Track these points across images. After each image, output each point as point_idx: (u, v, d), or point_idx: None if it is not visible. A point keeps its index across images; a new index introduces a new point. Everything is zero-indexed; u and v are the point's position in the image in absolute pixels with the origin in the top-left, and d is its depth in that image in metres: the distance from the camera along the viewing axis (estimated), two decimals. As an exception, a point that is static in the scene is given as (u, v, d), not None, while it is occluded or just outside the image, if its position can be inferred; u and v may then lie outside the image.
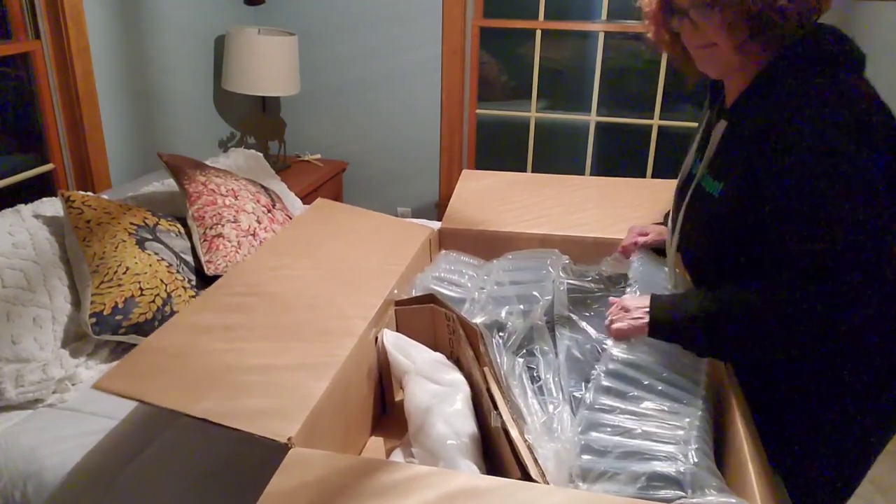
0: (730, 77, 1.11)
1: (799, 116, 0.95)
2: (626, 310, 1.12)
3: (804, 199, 0.93)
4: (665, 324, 1.08)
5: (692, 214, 1.15)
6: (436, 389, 1.11)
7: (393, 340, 1.23)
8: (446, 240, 1.67)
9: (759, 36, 1.01)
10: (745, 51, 1.03)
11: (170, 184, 2.17)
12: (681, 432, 0.93)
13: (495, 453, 1.11)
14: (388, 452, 1.15)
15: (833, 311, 0.92)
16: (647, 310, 1.09)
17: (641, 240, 1.41)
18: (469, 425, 1.04)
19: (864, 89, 1.00)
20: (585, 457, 0.93)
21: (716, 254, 1.12)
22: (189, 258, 1.88)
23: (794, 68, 1.01)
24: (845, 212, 0.91)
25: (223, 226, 1.93)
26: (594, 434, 0.96)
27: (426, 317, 1.29)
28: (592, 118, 3.18)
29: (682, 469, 0.86)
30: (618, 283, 1.36)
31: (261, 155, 2.73)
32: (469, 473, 0.86)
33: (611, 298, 1.19)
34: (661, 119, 3.10)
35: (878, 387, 1.07)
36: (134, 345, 1.57)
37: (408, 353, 1.19)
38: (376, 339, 1.23)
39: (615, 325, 1.11)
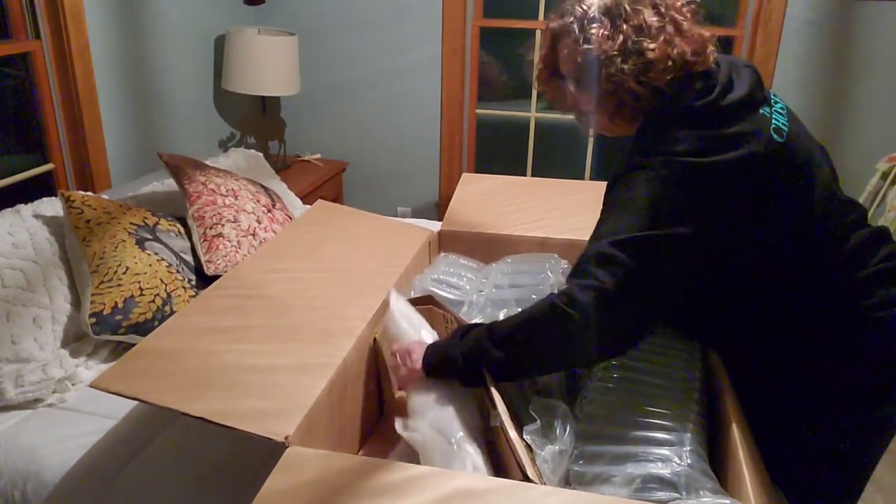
0: (617, 135, 1.20)
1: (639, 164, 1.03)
2: (409, 353, 1.08)
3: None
4: (436, 364, 1.05)
5: None
6: None
7: (401, 308, 1.19)
8: (446, 242, 1.67)
9: (623, 108, 1.09)
10: (615, 120, 1.14)
11: (170, 184, 2.17)
12: (675, 434, 0.93)
13: (495, 454, 1.11)
14: (386, 453, 1.16)
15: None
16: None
17: None
18: (475, 417, 1.04)
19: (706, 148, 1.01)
20: (581, 459, 0.94)
21: None
22: (189, 258, 1.89)
23: (655, 128, 1.07)
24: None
25: (223, 226, 1.93)
26: (589, 437, 0.97)
27: (424, 318, 1.29)
28: (592, 118, 3.18)
29: (676, 471, 0.86)
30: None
31: (261, 155, 2.73)
32: (468, 474, 0.87)
33: (395, 347, 1.13)
34: (660, 119, 3.10)
35: (877, 394, 1.07)
36: (134, 345, 1.58)
37: (413, 324, 1.16)
38: (374, 340, 1.23)
39: (399, 374, 1.10)
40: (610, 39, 1.04)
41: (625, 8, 1.05)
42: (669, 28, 1.05)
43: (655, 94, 1.05)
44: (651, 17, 1.05)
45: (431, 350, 1.06)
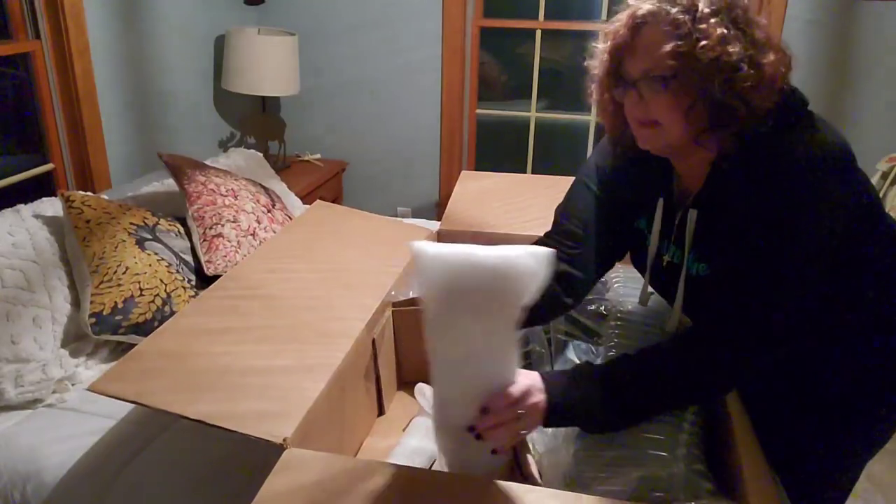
0: (676, 157, 1.05)
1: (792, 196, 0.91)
2: (514, 401, 0.89)
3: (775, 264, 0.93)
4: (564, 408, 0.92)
5: (692, 300, 1.07)
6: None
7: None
8: (445, 241, 1.67)
9: (718, 128, 0.94)
10: (699, 140, 0.96)
11: (170, 184, 2.17)
12: (673, 436, 0.93)
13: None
14: (385, 454, 1.16)
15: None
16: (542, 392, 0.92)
17: None
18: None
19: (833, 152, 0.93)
20: (580, 461, 0.94)
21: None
22: (189, 258, 1.89)
23: (762, 144, 0.94)
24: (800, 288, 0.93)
25: (223, 226, 1.94)
26: (588, 439, 0.97)
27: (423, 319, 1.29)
28: (592, 118, 3.18)
29: (674, 472, 0.86)
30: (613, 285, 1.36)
31: (261, 155, 2.73)
32: (467, 475, 0.87)
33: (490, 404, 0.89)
34: (660, 119, 3.10)
35: (877, 392, 1.07)
36: (133, 345, 1.58)
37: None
38: (373, 341, 1.23)
39: (499, 433, 0.88)
40: (731, 43, 0.90)
41: (742, 13, 0.92)
42: (772, 47, 0.94)
43: (755, 115, 0.92)
44: (760, 33, 0.93)
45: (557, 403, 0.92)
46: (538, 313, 0.96)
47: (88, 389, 0.97)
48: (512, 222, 1.66)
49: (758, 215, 0.92)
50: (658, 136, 0.98)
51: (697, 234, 1.04)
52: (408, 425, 1.22)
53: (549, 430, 1.01)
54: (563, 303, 1.15)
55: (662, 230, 1.11)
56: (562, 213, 1.21)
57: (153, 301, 1.66)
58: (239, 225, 1.98)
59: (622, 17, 0.98)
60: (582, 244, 1.16)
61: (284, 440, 0.89)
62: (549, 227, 1.64)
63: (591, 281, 1.21)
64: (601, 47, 1.03)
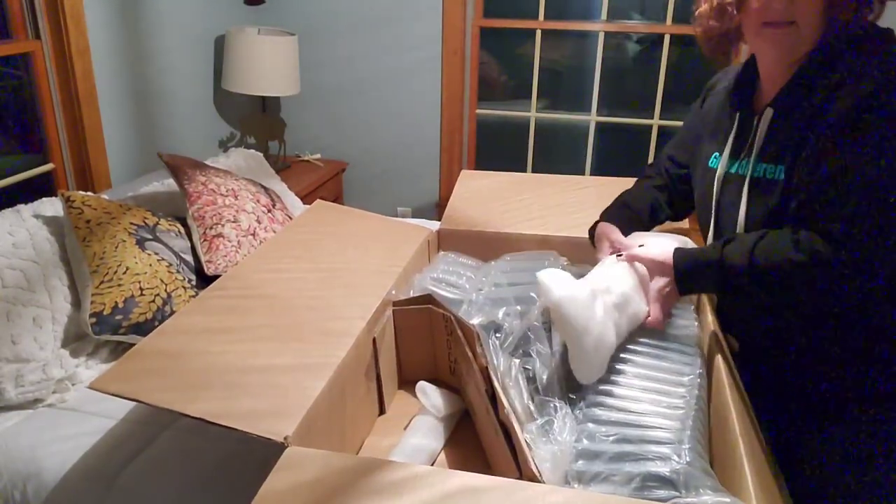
0: (775, 69, 1.08)
1: (875, 90, 0.93)
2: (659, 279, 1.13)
3: (872, 171, 0.92)
4: (687, 273, 1.09)
5: (756, 206, 1.08)
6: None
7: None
8: (445, 240, 1.67)
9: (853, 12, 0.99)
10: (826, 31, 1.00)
11: (170, 184, 2.17)
12: (675, 432, 0.93)
13: (492, 453, 1.11)
14: (386, 452, 1.16)
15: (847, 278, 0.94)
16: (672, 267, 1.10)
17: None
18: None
19: None
20: (581, 458, 0.94)
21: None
22: (189, 258, 1.89)
23: (853, 46, 0.98)
24: None
25: (223, 226, 1.93)
26: (589, 436, 0.96)
27: (424, 317, 1.29)
28: (592, 118, 3.18)
29: (676, 469, 0.86)
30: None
31: (261, 155, 2.73)
32: (467, 473, 0.87)
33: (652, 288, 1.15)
34: (661, 119, 3.11)
35: None
36: (134, 345, 1.58)
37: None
38: (373, 339, 1.23)
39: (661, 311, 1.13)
40: None
41: None
42: None
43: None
44: None
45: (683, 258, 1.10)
46: (643, 217, 1.32)
47: (89, 388, 0.97)
48: (512, 222, 1.66)
49: (846, 115, 0.94)
50: (788, 36, 1.01)
51: (770, 136, 1.06)
52: (409, 424, 1.22)
53: (549, 428, 1.01)
54: (665, 213, 1.39)
55: (734, 149, 1.14)
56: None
57: (153, 301, 1.66)
58: (239, 225, 1.97)
59: None
60: (680, 168, 1.36)
61: (285, 438, 0.89)
62: (548, 227, 1.64)
63: (689, 205, 1.35)
64: None
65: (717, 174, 1.17)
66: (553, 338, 1.21)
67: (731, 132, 1.16)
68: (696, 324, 1.25)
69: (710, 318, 1.24)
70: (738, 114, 1.15)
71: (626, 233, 1.29)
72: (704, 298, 1.31)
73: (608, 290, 1.15)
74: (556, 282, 1.09)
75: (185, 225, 1.97)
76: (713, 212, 1.18)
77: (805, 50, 1.02)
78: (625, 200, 1.41)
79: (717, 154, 1.19)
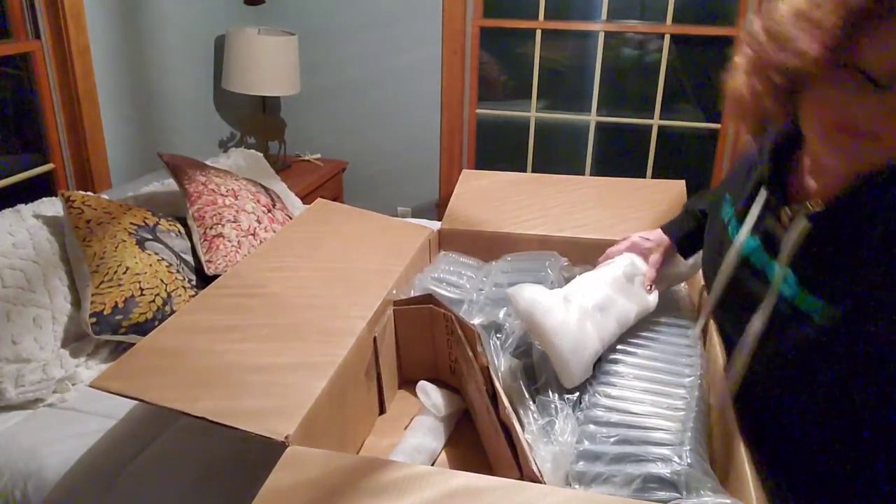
0: (829, 169, 0.82)
1: None
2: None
3: None
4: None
5: (781, 342, 0.84)
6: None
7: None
8: (446, 240, 1.67)
9: None
10: None
11: (170, 184, 2.17)
12: (675, 434, 0.93)
13: (493, 453, 1.11)
14: (386, 452, 1.16)
15: None
16: None
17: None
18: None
19: None
20: (582, 459, 0.94)
21: (810, 390, 0.84)
22: (189, 258, 1.89)
23: None
24: None
25: (223, 226, 1.93)
26: (589, 437, 0.96)
27: (424, 317, 1.29)
28: (592, 118, 3.18)
29: (676, 470, 0.86)
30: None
31: (261, 155, 2.73)
32: (468, 473, 0.86)
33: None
34: (661, 119, 3.11)
35: None
36: (134, 345, 1.58)
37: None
38: (374, 339, 1.23)
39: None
40: None
41: None
42: None
43: None
44: None
45: None
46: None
47: (90, 386, 0.97)
48: (513, 222, 1.66)
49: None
50: (867, 150, 0.74)
51: (805, 254, 0.82)
52: (409, 424, 1.22)
53: (550, 429, 1.01)
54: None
55: (755, 226, 0.91)
56: None
57: (154, 301, 1.66)
58: (239, 225, 1.97)
59: (841, 7, 0.69)
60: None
61: (286, 438, 0.89)
62: (549, 227, 1.63)
63: None
64: (808, 11, 0.71)
65: (735, 250, 0.94)
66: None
67: (751, 204, 0.93)
68: (697, 324, 1.25)
69: (708, 307, 1.24)
70: (766, 191, 0.91)
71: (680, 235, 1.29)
72: (705, 297, 1.31)
73: (587, 294, 1.16)
74: (524, 293, 1.10)
75: (185, 225, 1.97)
76: (724, 287, 0.98)
77: (879, 162, 0.74)
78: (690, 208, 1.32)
79: (734, 218, 0.98)
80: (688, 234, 1.29)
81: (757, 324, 0.87)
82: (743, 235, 0.93)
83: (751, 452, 0.85)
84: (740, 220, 0.95)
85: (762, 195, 0.91)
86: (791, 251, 0.83)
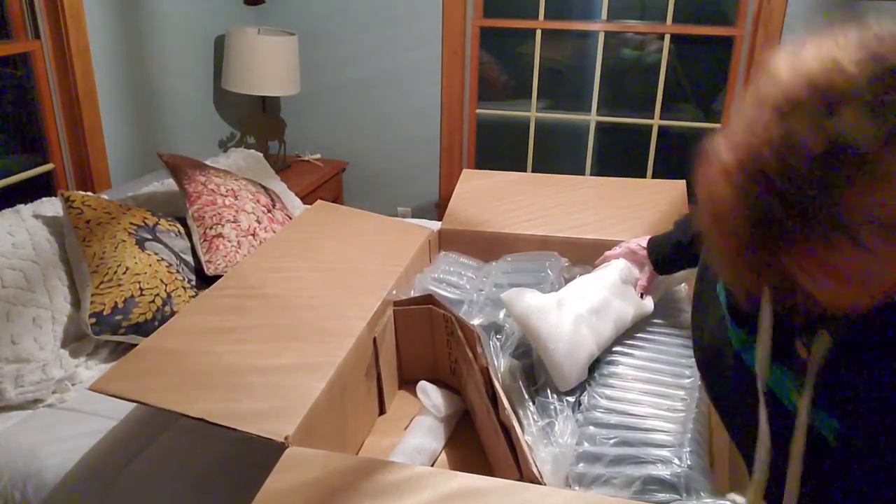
0: None
1: None
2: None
3: None
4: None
5: (808, 463, 0.72)
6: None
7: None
8: (446, 240, 1.67)
9: None
10: None
11: (170, 184, 2.17)
12: (675, 436, 0.93)
13: (493, 454, 1.11)
14: (386, 452, 1.16)
15: None
16: None
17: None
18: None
19: None
20: (582, 461, 0.93)
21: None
22: (189, 258, 1.89)
23: None
24: None
25: (223, 226, 1.93)
26: (589, 438, 0.96)
27: (424, 317, 1.29)
28: (592, 118, 3.18)
29: (676, 472, 0.86)
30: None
31: (261, 155, 2.73)
32: (468, 474, 0.86)
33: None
34: (661, 119, 3.10)
35: None
36: (134, 345, 1.58)
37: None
38: (374, 339, 1.23)
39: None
40: None
41: None
42: None
43: None
44: None
45: None
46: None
47: (90, 389, 0.97)
48: (513, 222, 1.66)
49: None
50: (855, 294, 0.61)
51: (827, 374, 0.70)
52: (409, 424, 1.22)
53: (550, 430, 1.01)
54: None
55: (751, 327, 0.76)
56: None
57: (153, 301, 1.66)
58: (239, 225, 1.97)
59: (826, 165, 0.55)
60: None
61: (286, 438, 0.89)
62: (549, 228, 1.63)
63: None
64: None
65: (759, 384, 0.76)
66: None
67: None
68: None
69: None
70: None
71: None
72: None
73: (583, 297, 1.16)
74: (518, 298, 1.11)
75: (184, 225, 1.96)
76: (739, 408, 0.83)
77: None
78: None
79: (733, 329, 0.82)
80: (665, 259, 1.27)
81: (798, 453, 0.72)
82: (763, 363, 0.75)
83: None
84: (738, 320, 0.80)
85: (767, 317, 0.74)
86: (812, 372, 0.70)
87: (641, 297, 1.26)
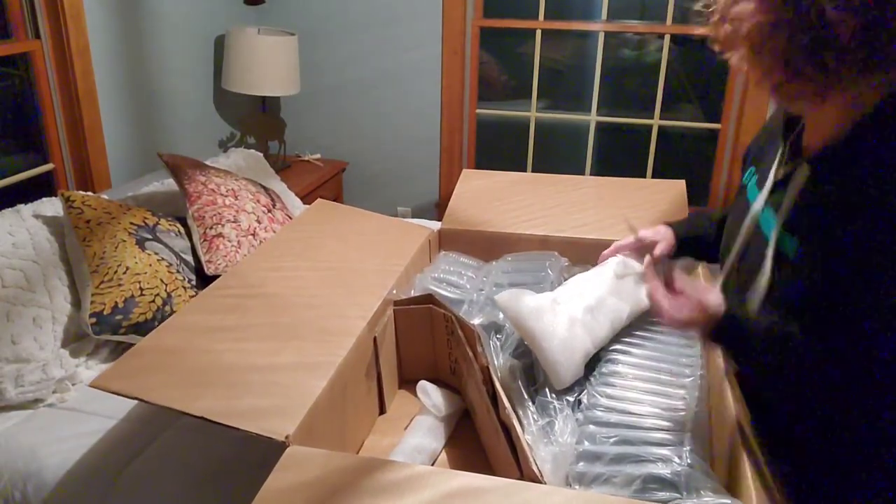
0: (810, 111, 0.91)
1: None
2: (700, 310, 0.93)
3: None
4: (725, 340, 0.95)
5: (778, 285, 0.91)
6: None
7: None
8: (446, 240, 1.67)
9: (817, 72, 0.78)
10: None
11: (170, 184, 2.17)
12: (676, 434, 0.93)
13: (493, 453, 1.11)
14: (386, 452, 1.16)
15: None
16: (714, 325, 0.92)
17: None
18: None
19: None
20: (582, 460, 0.93)
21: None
22: (189, 258, 1.89)
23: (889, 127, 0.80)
24: None
25: (223, 225, 1.93)
26: (589, 437, 0.96)
27: (424, 317, 1.29)
28: (592, 118, 3.18)
29: (677, 471, 0.86)
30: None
31: (261, 155, 2.73)
32: (468, 473, 0.86)
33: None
34: (661, 119, 3.11)
35: None
36: (134, 345, 1.58)
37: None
38: (374, 339, 1.23)
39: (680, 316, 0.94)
40: None
41: None
42: None
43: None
44: None
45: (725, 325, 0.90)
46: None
47: (90, 386, 0.97)
48: (513, 222, 1.66)
49: (847, 217, 0.79)
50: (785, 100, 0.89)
51: (798, 202, 0.89)
52: (409, 424, 1.22)
53: (550, 430, 1.01)
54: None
55: (772, 190, 0.96)
56: None
57: (153, 301, 1.66)
58: (239, 225, 1.97)
59: None
60: None
61: (286, 437, 0.89)
62: (550, 228, 1.63)
63: None
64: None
65: (752, 212, 0.99)
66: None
67: (773, 162, 0.98)
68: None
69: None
70: (785, 144, 0.96)
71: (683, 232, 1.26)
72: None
73: (578, 295, 1.16)
74: (512, 299, 1.11)
75: (185, 225, 1.96)
76: (737, 253, 1.03)
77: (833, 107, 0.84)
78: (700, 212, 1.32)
79: (756, 184, 1.03)
80: (695, 238, 1.26)
81: (762, 281, 0.91)
82: (759, 203, 0.97)
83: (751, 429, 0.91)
84: (761, 186, 0.99)
85: (777, 159, 0.96)
86: (791, 198, 0.89)
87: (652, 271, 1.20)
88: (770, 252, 0.91)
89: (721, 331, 0.91)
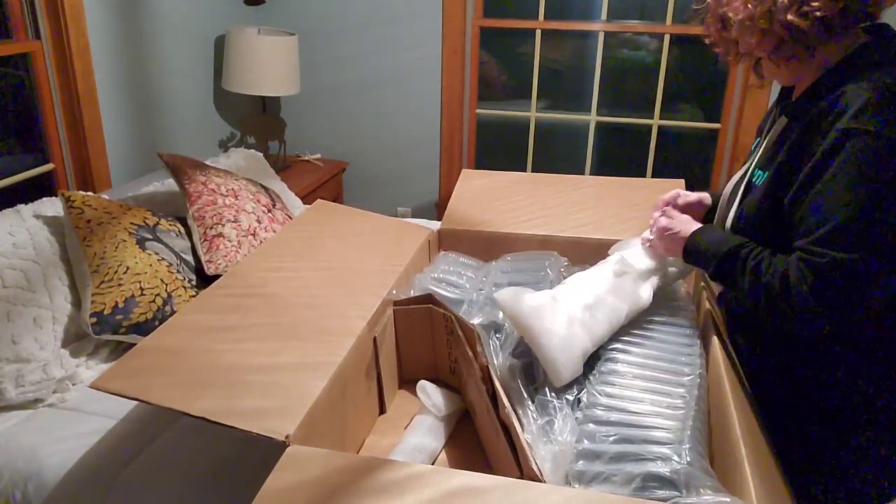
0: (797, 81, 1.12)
1: (847, 114, 0.95)
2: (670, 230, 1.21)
3: (839, 177, 0.94)
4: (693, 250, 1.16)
5: (741, 209, 1.14)
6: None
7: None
8: (446, 240, 1.67)
9: (791, 49, 1.03)
10: (793, 64, 1.06)
11: (170, 184, 2.18)
12: (675, 432, 0.93)
13: (493, 452, 1.11)
14: (386, 452, 1.16)
15: (848, 289, 0.93)
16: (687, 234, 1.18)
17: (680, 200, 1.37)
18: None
19: None
20: (581, 458, 0.94)
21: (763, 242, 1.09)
22: (189, 258, 1.89)
23: (852, 71, 1.00)
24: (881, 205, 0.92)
25: (223, 225, 1.93)
26: (589, 436, 0.97)
27: (424, 317, 1.29)
28: (592, 118, 3.18)
29: (676, 469, 0.86)
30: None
31: (261, 155, 2.73)
32: (468, 472, 0.87)
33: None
34: (661, 119, 3.11)
35: None
36: (134, 345, 1.58)
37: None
38: (374, 339, 1.23)
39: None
40: None
41: None
42: None
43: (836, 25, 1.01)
44: None
45: (697, 238, 1.16)
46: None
47: (90, 387, 0.97)
48: (513, 222, 1.66)
49: (805, 139, 1.00)
50: (764, 67, 1.15)
51: (773, 144, 1.10)
52: (409, 423, 1.22)
53: (549, 429, 1.01)
54: None
55: (757, 143, 1.19)
56: None
57: (154, 301, 1.66)
58: (239, 225, 1.98)
59: None
60: None
61: (287, 437, 0.89)
62: (549, 228, 1.63)
63: None
64: None
65: (745, 169, 1.18)
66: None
67: (768, 132, 1.17)
68: (697, 324, 1.25)
69: (707, 305, 1.24)
70: (777, 109, 1.16)
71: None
72: (704, 295, 1.32)
73: (576, 294, 1.17)
74: (511, 297, 1.11)
75: (185, 225, 1.97)
76: (727, 199, 1.22)
77: (808, 69, 1.07)
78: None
79: (754, 149, 1.21)
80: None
81: (732, 209, 1.16)
82: (751, 161, 1.17)
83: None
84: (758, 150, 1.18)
85: (780, 122, 1.12)
86: (769, 143, 1.12)
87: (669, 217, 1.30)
88: (742, 186, 1.13)
89: (689, 243, 1.16)
